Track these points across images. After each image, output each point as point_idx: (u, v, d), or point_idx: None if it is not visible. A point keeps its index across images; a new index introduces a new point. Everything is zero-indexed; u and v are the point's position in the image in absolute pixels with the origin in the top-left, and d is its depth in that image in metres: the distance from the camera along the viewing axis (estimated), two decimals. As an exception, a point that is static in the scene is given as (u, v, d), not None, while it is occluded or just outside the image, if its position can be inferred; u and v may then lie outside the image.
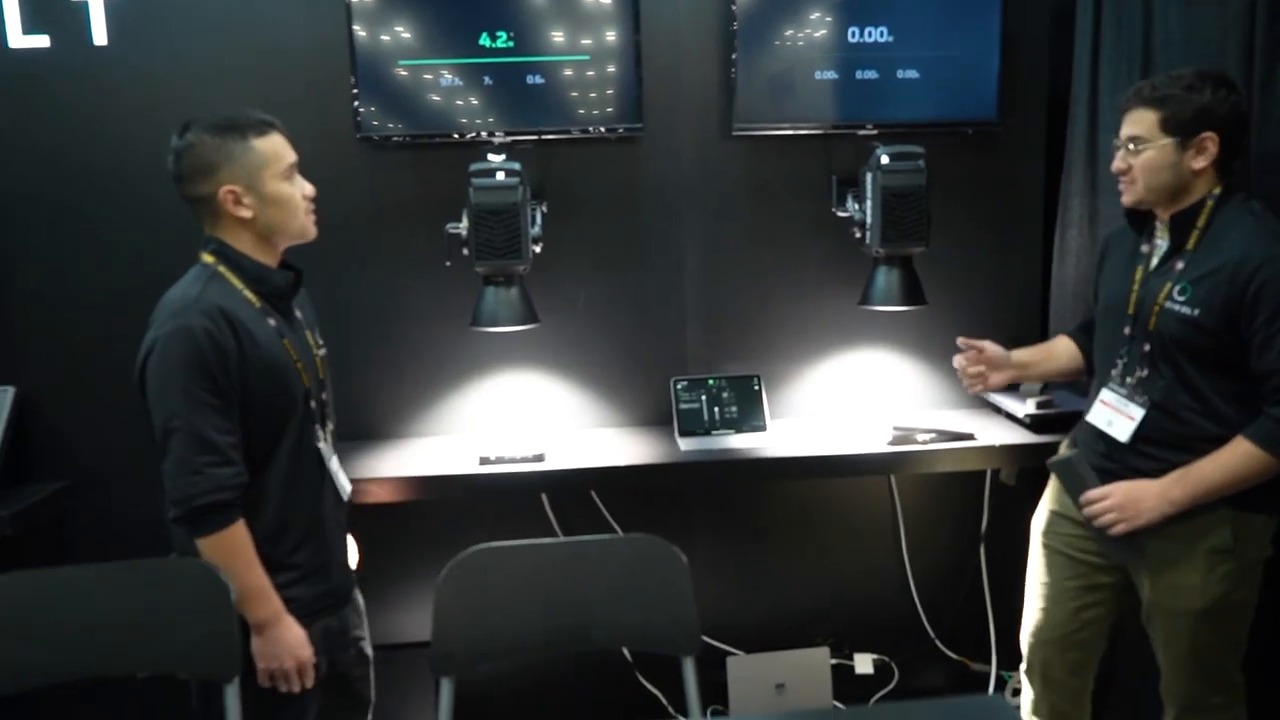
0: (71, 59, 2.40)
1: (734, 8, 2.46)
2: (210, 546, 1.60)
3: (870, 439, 2.42)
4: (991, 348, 2.18)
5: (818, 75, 2.52)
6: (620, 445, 2.46)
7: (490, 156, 2.34)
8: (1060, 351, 2.19)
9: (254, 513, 1.65)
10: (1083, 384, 2.50)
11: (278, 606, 1.65)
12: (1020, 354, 2.21)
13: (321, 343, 1.85)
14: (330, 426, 1.83)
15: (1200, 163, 1.71)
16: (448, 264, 2.36)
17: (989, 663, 2.73)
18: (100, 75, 2.41)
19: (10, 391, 2.44)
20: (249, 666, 1.63)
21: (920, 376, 2.70)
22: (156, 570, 1.63)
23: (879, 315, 2.55)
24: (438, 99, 2.44)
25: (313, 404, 1.74)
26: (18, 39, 2.38)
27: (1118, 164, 1.82)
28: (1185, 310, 1.71)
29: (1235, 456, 1.69)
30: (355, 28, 2.38)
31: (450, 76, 2.43)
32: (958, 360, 2.22)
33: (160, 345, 1.58)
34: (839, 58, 2.52)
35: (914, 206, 2.38)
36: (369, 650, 1.95)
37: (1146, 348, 1.78)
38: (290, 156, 1.72)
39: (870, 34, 2.52)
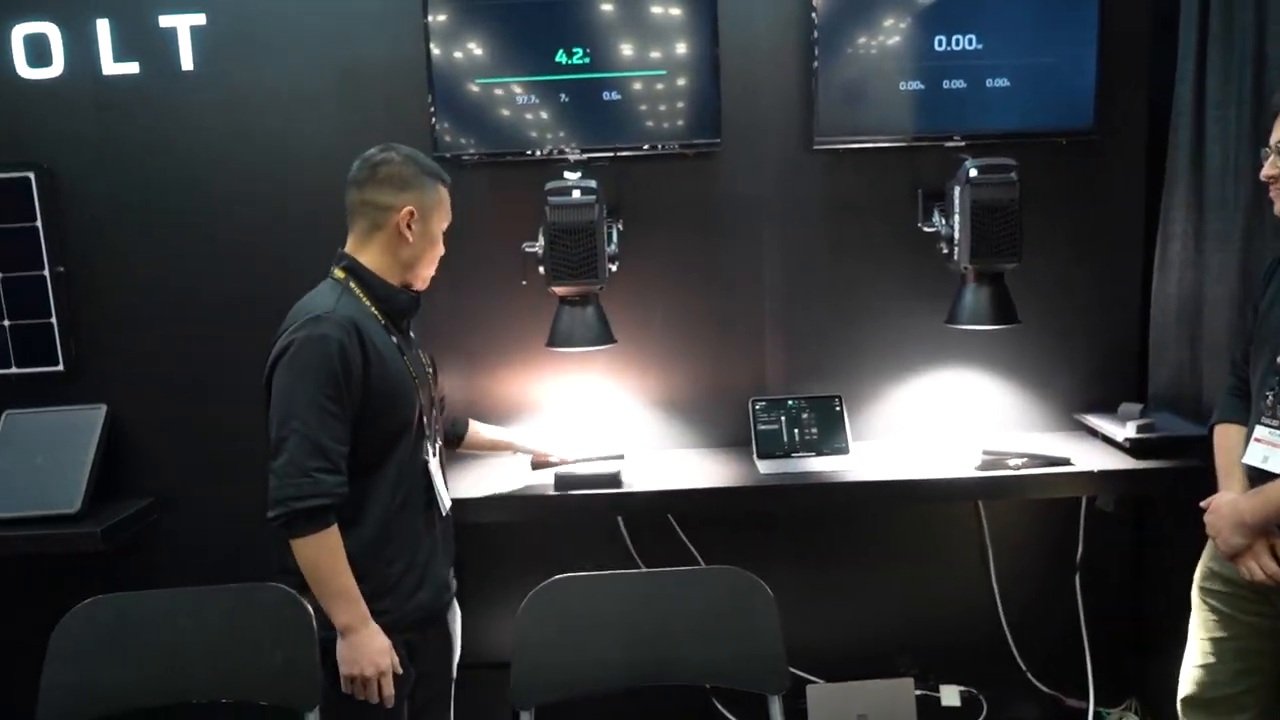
0: (160, 84, 2.46)
1: (814, 17, 2.39)
2: (304, 547, 1.63)
3: (958, 463, 2.32)
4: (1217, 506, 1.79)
5: (902, 86, 2.44)
6: (698, 467, 2.41)
7: (566, 174, 2.32)
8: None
9: (357, 521, 1.69)
10: (1186, 405, 2.38)
11: (363, 612, 1.66)
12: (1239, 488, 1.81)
13: (430, 364, 1.93)
14: (440, 444, 1.89)
15: None
16: (523, 283, 2.35)
17: (1085, 698, 2.59)
18: (187, 99, 2.46)
19: (102, 410, 2.50)
20: (334, 679, 1.66)
21: (1011, 398, 2.58)
22: (239, 596, 1.63)
23: (967, 334, 2.44)
24: (513, 116, 2.43)
25: (425, 420, 1.80)
26: (110, 66, 2.45)
27: (1267, 170, 1.70)
28: None
29: None
30: (432, 47, 2.38)
31: (526, 94, 2.42)
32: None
33: (295, 349, 1.64)
34: (924, 67, 2.43)
35: (1005, 221, 2.28)
36: (453, 673, 1.96)
37: None
38: (450, 216, 1.88)
39: (958, 42, 2.43)
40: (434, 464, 1.84)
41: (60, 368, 2.51)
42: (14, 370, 2.52)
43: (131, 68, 2.45)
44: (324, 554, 1.63)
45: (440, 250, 1.87)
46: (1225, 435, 1.89)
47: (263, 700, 1.60)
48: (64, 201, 2.49)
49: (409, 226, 1.77)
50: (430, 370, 1.90)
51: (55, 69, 2.45)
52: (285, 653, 1.56)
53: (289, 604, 1.57)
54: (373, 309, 1.76)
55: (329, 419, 1.62)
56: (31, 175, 2.45)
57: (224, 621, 1.60)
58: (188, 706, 1.61)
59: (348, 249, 1.80)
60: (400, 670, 1.70)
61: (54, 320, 2.50)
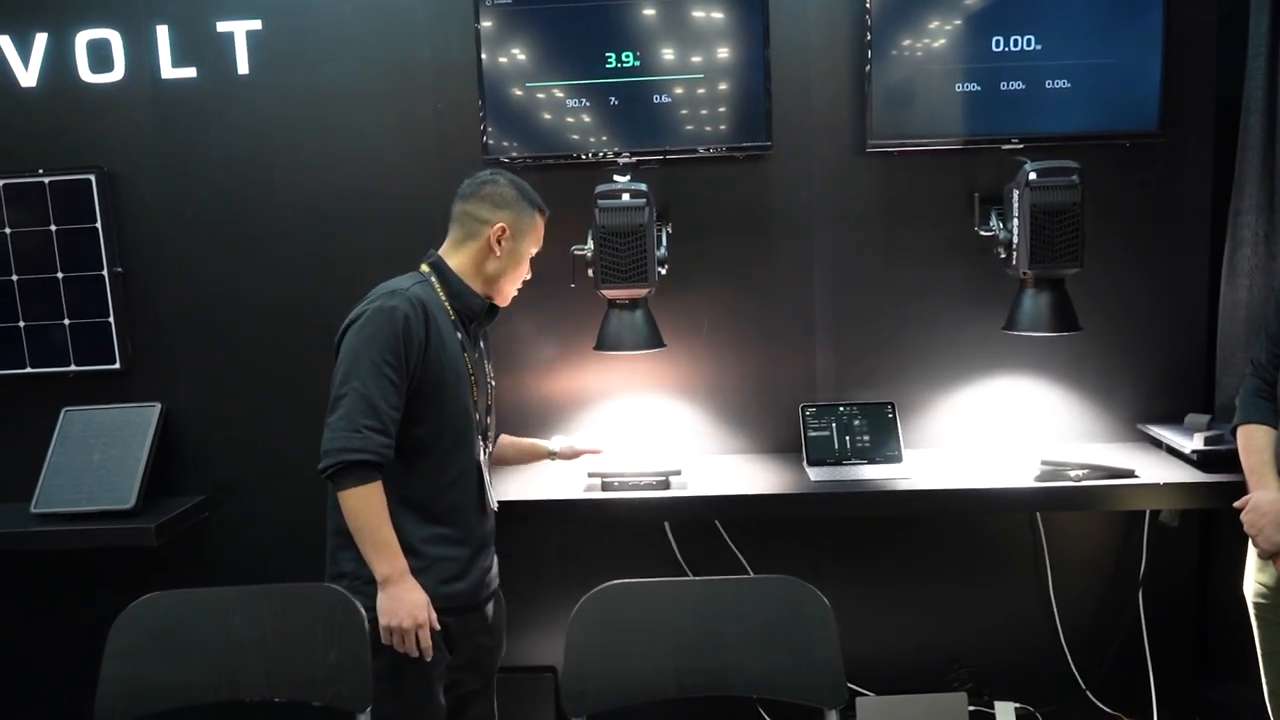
0: (217, 88, 2.49)
1: (868, 18, 2.36)
2: (348, 499, 1.71)
3: (1016, 473, 2.26)
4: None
5: (958, 87, 2.39)
6: (747, 473, 2.38)
7: (616, 178, 2.31)
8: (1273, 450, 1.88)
9: (407, 502, 1.77)
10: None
11: (403, 565, 1.73)
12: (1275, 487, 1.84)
13: (491, 378, 1.99)
14: (490, 449, 1.98)
15: None
16: (572, 286, 2.34)
17: (1148, 718, 2.51)
18: (243, 103, 2.49)
19: (157, 408, 2.54)
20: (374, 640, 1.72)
21: (1071, 407, 2.52)
22: (293, 595, 1.63)
23: (1025, 341, 2.39)
24: (563, 120, 2.42)
25: (478, 417, 1.88)
26: (168, 71, 2.49)
27: None
28: None
29: None
30: (483, 52, 2.38)
31: (576, 98, 2.41)
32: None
33: (366, 317, 1.76)
34: (982, 68, 2.38)
35: (1067, 225, 2.22)
36: (495, 665, 2.00)
37: None
38: (540, 244, 1.99)
39: (1016, 42, 2.38)
40: (486, 461, 1.92)
41: (117, 366, 2.56)
42: (73, 368, 2.56)
43: (189, 72, 2.49)
44: (367, 506, 1.70)
45: (525, 272, 1.98)
46: (1252, 436, 1.90)
47: (315, 701, 1.60)
48: (123, 203, 2.54)
49: (499, 242, 1.89)
50: (491, 383, 1.97)
51: (116, 73, 2.50)
52: (338, 653, 1.56)
53: (342, 605, 1.57)
54: (446, 304, 1.86)
55: (386, 384, 1.71)
56: (92, 177, 2.49)
57: (277, 621, 1.60)
58: (240, 705, 1.62)
59: (440, 251, 1.92)
60: (437, 626, 1.75)
61: (112, 320, 2.54)
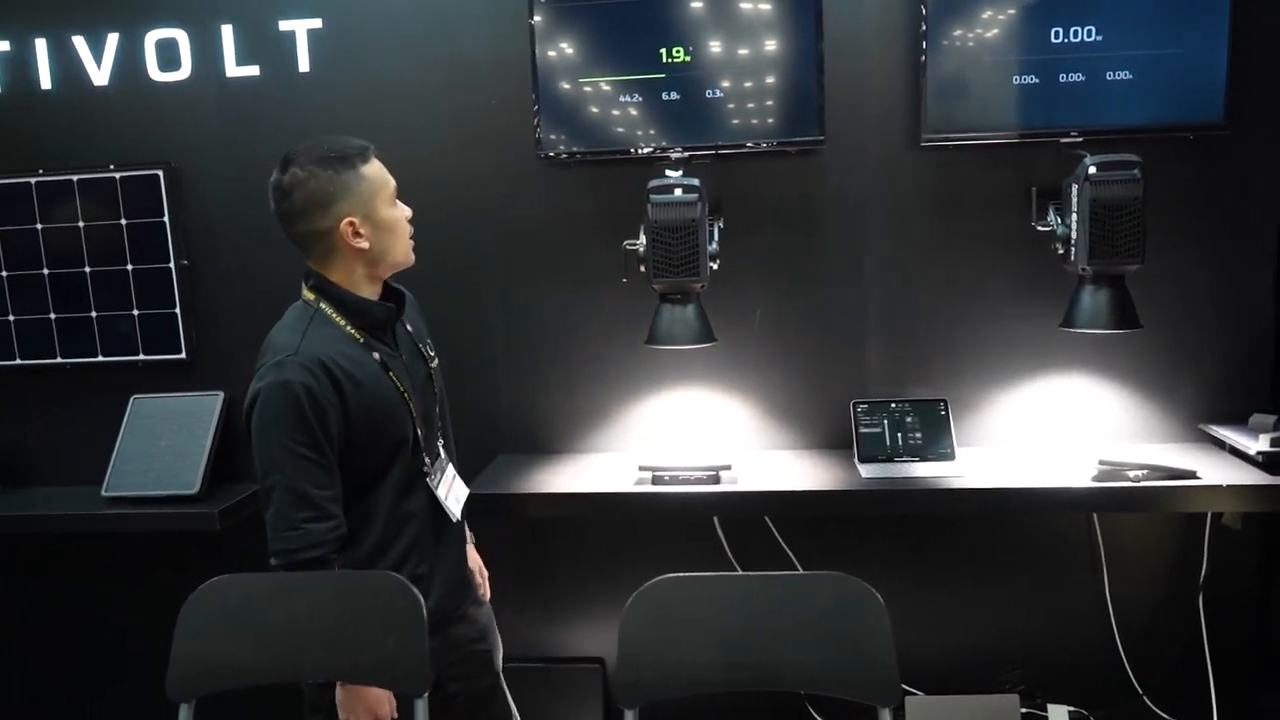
0: (279, 86, 2.55)
1: (923, 9, 2.33)
2: None
3: (1073, 473, 2.22)
4: None
5: (1016, 79, 2.35)
6: (797, 469, 2.38)
7: (668, 172, 2.32)
8: None
9: (357, 537, 1.68)
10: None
11: None
12: None
13: (434, 355, 1.85)
14: (442, 441, 1.83)
15: None
16: (624, 280, 2.35)
17: (1208, 726, 2.46)
18: (304, 100, 2.55)
19: (220, 396, 2.61)
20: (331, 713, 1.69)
21: (1130, 407, 2.46)
22: (353, 581, 1.67)
23: (1083, 338, 2.34)
24: (615, 115, 2.43)
25: (419, 431, 1.73)
26: (233, 69, 2.56)
27: None
28: None
29: None
30: (536, 47, 2.40)
31: (628, 92, 2.42)
32: None
33: (262, 399, 1.59)
34: (1040, 60, 2.34)
35: (1128, 220, 2.18)
36: (497, 666, 1.96)
37: None
38: (393, 180, 1.73)
39: (1076, 33, 2.33)
40: (445, 470, 1.79)
41: (183, 356, 2.64)
42: (141, 357, 2.65)
43: (253, 70, 2.56)
44: None
45: (404, 216, 1.74)
46: None
47: (374, 685, 1.64)
48: (188, 197, 2.61)
49: (358, 233, 1.66)
50: (433, 363, 1.83)
51: (183, 72, 2.57)
52: (397, 639, 1.59)
53: (401, 592, 1.61)
54: (347, 328, 1.67)
55: (308, 465, 1.58)
56: (160, 173, 2.57)
57: (338, 606, 1.64)
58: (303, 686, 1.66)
59: (313, 265, 1.71)
60: (396, 716, 1.68)
61: (178, 311, 2.62)
